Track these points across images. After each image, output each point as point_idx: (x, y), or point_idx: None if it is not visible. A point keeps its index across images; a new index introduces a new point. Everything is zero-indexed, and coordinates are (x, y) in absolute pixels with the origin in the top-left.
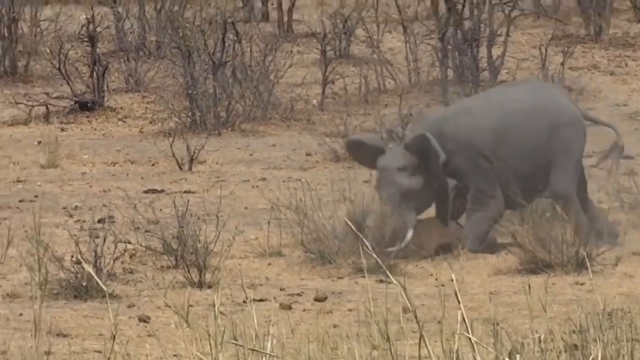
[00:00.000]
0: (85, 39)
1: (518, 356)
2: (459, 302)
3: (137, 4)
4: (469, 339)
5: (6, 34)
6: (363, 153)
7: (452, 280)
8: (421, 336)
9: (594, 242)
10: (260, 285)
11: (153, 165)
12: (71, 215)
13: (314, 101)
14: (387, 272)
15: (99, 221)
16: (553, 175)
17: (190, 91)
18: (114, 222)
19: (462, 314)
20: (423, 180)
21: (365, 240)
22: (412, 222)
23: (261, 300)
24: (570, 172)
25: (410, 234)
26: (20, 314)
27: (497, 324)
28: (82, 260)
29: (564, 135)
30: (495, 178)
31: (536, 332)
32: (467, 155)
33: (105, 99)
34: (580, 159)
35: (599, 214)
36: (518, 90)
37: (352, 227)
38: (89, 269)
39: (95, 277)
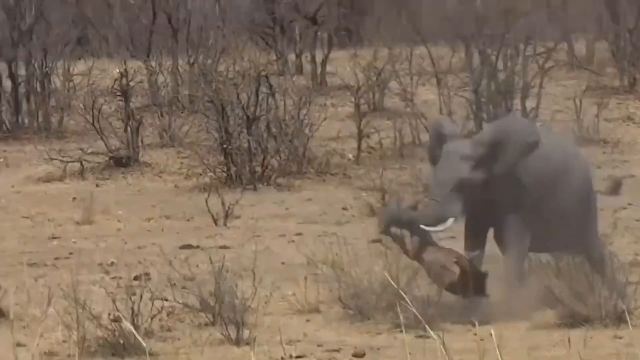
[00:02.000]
0: (119, 94)
1: None
2: (500, 357)
3: (170, 57)
4: None
5: (39, 89)
6: (440, 139)
7: (491, 334)
8: None
9: None
10: (299, 341)
11: (188, 220)
12: (107, 272)
13: (350, 155)
14: (427, 327)
15: (135, 278)
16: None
17: (224, 146)
18: (150, 278)
19: None
20: (483, 178)
21: (403, 294)
22: (456, 212)
23: (300, 357)
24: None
25: (450, 222)
26: None
27: None
28: (121, 317)
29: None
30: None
31: None
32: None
33: (140, 154)
34: None
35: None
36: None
37: (391, 281)
38: (129, 325)
39: (135, 334)
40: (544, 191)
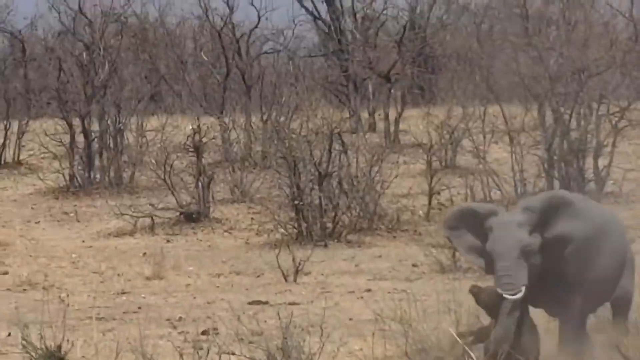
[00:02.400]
0: (191, 150)
1: None
2: None
3: (244, 114)
4: None
5: (112, 145)
6: (473, 222)
7: None
8: None
9: None
10: None
11: (258, 276)
12: (175, 327)
13: (420, 212)
14: None
15: (203, 333)
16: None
17: (296, 202)
18: (217, 333)
19: None
20: (540, 242)
21: (470, 351)
22: (525, 280)
23: None
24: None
25: (522, 292)
26: None
27: None
28: None
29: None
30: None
31: None
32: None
33: (211, 209)
34: None
35: None
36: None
37: (458, 338)
38: None
39: None
40: (590, 255)
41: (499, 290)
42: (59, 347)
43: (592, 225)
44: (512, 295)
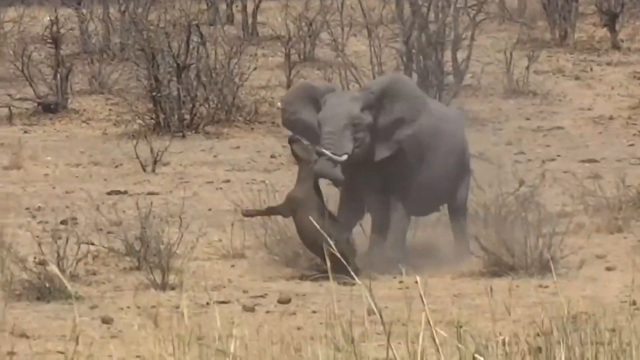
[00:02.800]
0: (49, 41)
1: (482, 358)
2: (423, 304)
3: (102, 5)
4: (433, 340)
5: None
6: (311, 99)
7: (416, 282)
8: (388, 338)
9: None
10: (224, 287)
11: (116, 167)
12: (34, 217)
13: (278, 104)
14: (352, 274)
15: (62, 222)
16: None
17: (154, 93)
18: (76, 223)
19: (426, 316)
20: (371, 122)
21: (330, 242)
22: (349, 149)
23: (224, 302)
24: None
25: (344, 157)
26: None
27: (461, 327)
28: (46, 261)
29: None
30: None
31: (500, 334)
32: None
33: (69, 100)
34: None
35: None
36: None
37: (317, 226)
38: (55, 269)
39: (61, 277)
40: (420, 156)
41: (320, 150)
42: None
43: (431, 117)
44: (333, 154)
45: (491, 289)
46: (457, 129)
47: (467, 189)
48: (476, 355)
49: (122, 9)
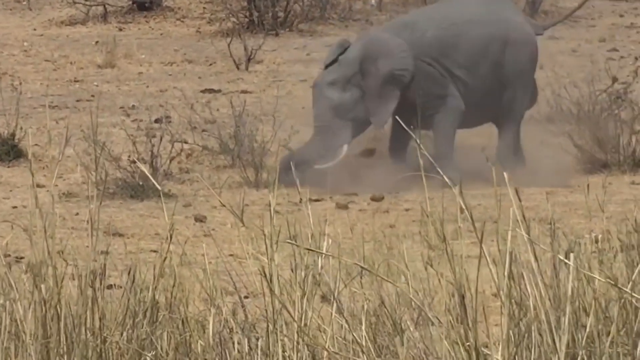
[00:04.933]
0: None
1: (573, 255)
2: (519, 200)
3: None
4: (525, 238)
5: None
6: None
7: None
8: (480, 236)
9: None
10: (317, 185)
11: (210, 65)
12: (128, 115)
13: (372, 1)
14: (440, 172)
15: (156, 121)
16: (504, 95)
17: None
18: (170, 121)
19: (519, 213)
20: (358, 94)
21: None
22: (347, 138)
23: (317, 200)
24: (520, 94)
25: (344, 149)
26: (77, 214)
27: (554, 224)
28: (137, 160)
29: (515, 53)
30: (444, 81)
31: (592, 231)
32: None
33: None
34: (531, 81)
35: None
36: (467, 3)
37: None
38: (144, 168)
39: (150, 177)
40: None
41: (312, 157)
42: (12, 134)
43: (438, 28)
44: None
45: (588, 186)
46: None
47: (522, 97)
48: (562, 258)
49: None
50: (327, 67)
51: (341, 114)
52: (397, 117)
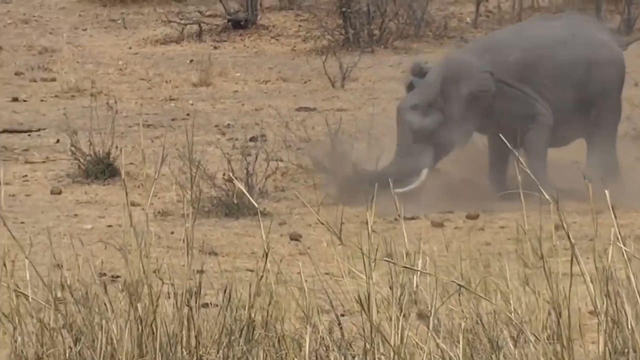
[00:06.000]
0: None
1: None
2: (614, 217)
3: None
4: (623, 254)
5: None
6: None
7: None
8: (576, 253)
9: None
10: (413, 202)
11: (305, 83)
12: (223, 134)
13: (468, 19)
14: (541, 189)
15: (251, 139)
16: (590, 114)
17: (343, 9)
18: (266, 140)
19: (615, 230)
20: (440, 118)
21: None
22: (427, 162)
23: (412, 218)
24: (607, 113)
25: (424, 173)
26: (172, 232)
27: None
28: (233, 177)
29: (602, 73)
30: (529, 100)
31: None
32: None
33: (259, 17)
34: (618, 99)
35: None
36: (550, 24)
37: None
38: (240, 186)
39: (247, 195)
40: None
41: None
42: (108, 153)
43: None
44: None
45: None
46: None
47: (602, 115)
48: None
49: None
50: (408, 90)
51: (422, 138)
52: (493, 137)
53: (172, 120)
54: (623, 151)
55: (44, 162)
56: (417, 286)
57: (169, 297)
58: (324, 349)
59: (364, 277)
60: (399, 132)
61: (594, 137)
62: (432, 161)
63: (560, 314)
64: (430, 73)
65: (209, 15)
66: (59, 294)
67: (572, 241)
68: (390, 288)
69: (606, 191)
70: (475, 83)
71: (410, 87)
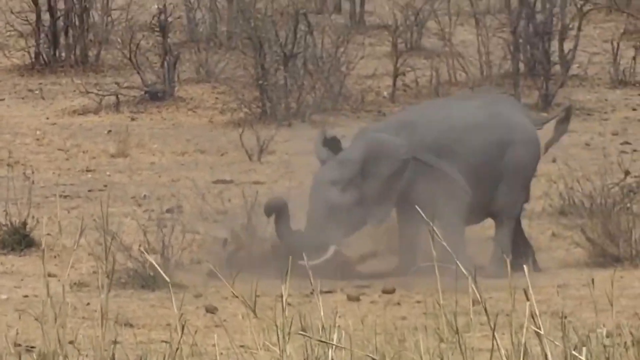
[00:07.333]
0: (157, 29)
1: (585, 350)
2: (528, 295)
3: None
4: (537, 332)
5: (77, 23)
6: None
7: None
8: (493, 329)
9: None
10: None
11: (222, 155)
12: (140, 205)
13: (385, 93)
14: (458, 264)
15: (167, 211)
16: (501, 191)
17: (260, 82)
18: (182, 212)
19: (530, 307)
20: (357, 196)
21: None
22: (337, 239)
23: (329, 291)
24: (517, 191)
25: (331, 250)
26: (88, 304)
27: (565, 317)
28: (146, 251)
29: (515, 153)
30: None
31: (603, 325)
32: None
33: (176, 89)
34: (530, 178)
35: (527, 242)
36: (467, 105)
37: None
38: (151, 259)
39: (158, 268)
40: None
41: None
42: (24, 223)
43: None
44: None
45: (592, 281)
46: (481, 134)
47: (513, 193)
48: (574, 353)
49: None
50: (323, 162)
51: (337, 215)
52: (403, 212)
53: (89, 191)
54: (540, 227)
55: None
56: None
57: None
58: None
59: (278, 350)
60: (311, 204)
61: (501, 215)
62: (341, 237)
63: None
64: (350, 149)
65: (127, 87)
66: None
67: (489, 316)
68: None
69: (525, 266)
70: (396, 164)
71: (324, 159)
